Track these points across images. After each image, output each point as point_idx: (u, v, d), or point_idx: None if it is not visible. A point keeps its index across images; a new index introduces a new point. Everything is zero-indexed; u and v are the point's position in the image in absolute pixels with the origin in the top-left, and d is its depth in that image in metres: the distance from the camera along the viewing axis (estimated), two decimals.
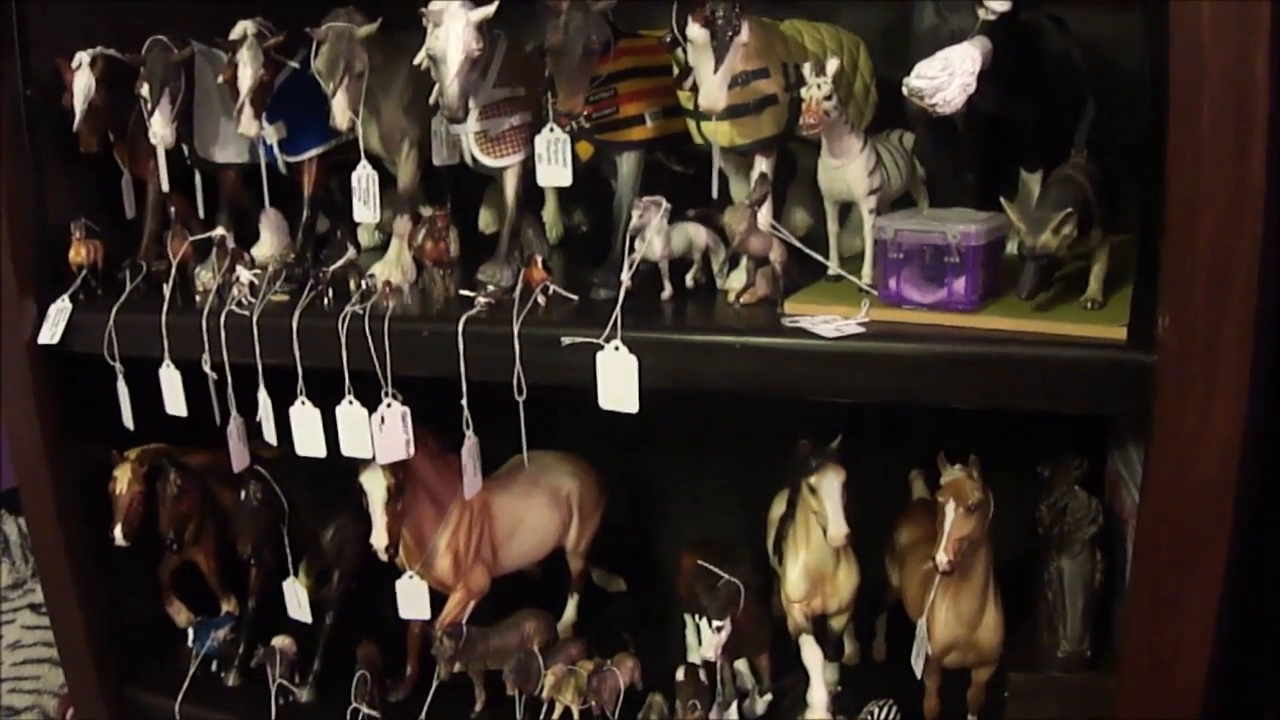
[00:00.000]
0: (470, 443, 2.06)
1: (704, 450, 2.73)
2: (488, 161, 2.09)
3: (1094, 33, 2.21)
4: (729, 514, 2.63)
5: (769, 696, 2.31)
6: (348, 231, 2.43)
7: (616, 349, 1.82)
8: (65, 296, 2.38)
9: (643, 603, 2.75)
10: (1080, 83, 2.12)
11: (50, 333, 2.37)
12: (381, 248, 2.35)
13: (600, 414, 1.88)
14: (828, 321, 1.78)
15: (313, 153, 2.34)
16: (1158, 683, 1.69)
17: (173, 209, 2.38)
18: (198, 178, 2.44)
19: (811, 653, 2.16)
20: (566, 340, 1.85)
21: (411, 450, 2.11)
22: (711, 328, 1.86)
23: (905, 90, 1.77)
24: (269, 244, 2.34)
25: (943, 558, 1.88)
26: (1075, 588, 2.06)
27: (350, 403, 2.07)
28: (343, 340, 2.03)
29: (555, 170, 2.00)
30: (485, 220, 2.52)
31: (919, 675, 2.07)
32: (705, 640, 2.08)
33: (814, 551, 2.14)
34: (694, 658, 2.42)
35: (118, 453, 2.49)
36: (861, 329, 1.75)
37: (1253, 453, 1.57)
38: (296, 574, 2.53)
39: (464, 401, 1.98)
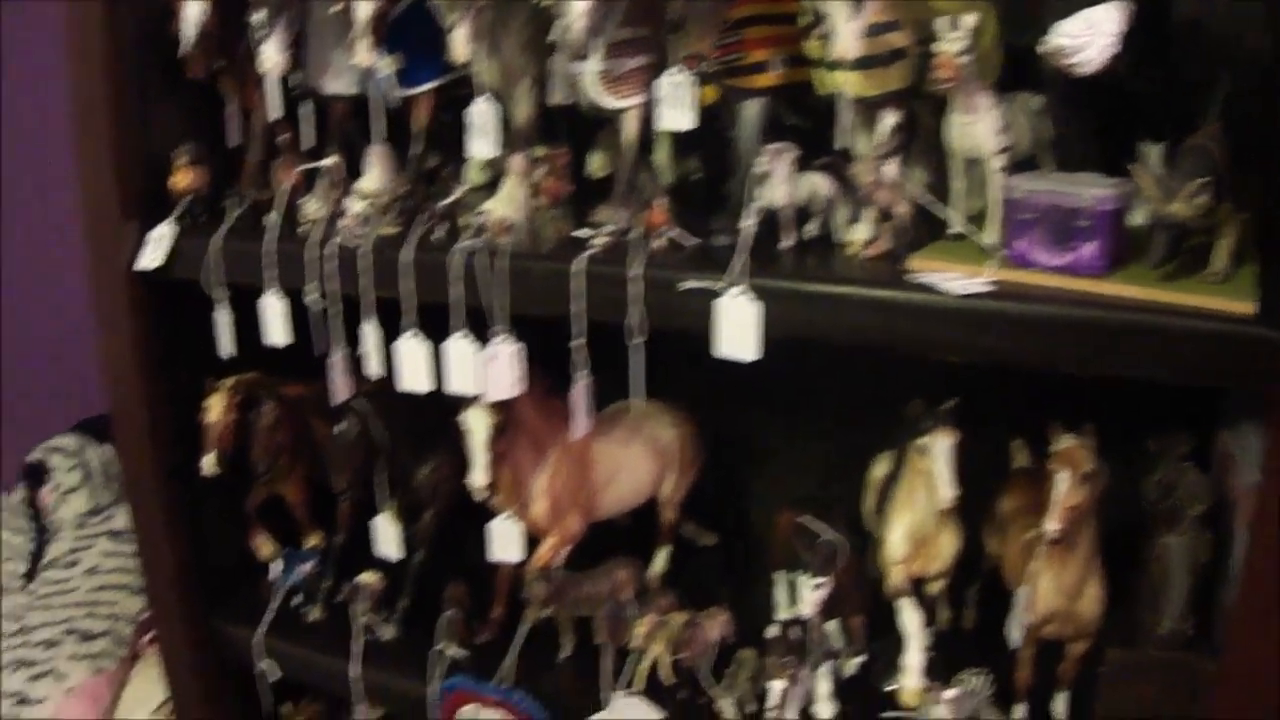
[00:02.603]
0: (581, 385, 2.04)
1: (799, 412, 2.70)
2: (609, 102, 2.05)
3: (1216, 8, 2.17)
4: (822, 475, 2.61)
5: (860, 658, 2.29)
6: (456, 169, 2.41)
7: (737, 295, 1.80)
8: (169, 221, 2.37)
9: (732, 559, 2.72)
10: (1212, 53, 2.08)
11: (151, 258, 2.36)
12: (488, 187, 2.33)
13: (699, 364, 1.87)
14: (954, 279, 1.75)
15: (427, 86, 2.30)
16: (1262, 668, 1.66)
17: (280, 139, 2.36)
18: (304, 109, 2.42)
19: (910, 616, 2.14)
20: (686, 285, 1.83)
21: (521, 389, 2.09)
22: (835, 279, 1.83)
23: (1044, 48, 1.74)
24: (376, 178, 2.31)
25: (1052, 526, 1.85)
26: (1181, 566, 2.03)
27: (460, 339, 2.05)
28: (456, 275, 2.01)
29: (678, 114, 1.97)
30: (597, 164, 2.49)
31: (1014, 645, 2.04)
32: (803, 597, 2.07)
33: (918, 513, 2.12)
34: (783, 615, 2.39)
35: (212, 380, 2.47)
36: (988, 288, 1.72)
37: None
38: (387, 510, 2.51)
39: (578, 342, 1.96)
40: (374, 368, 2.21)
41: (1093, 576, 1.99)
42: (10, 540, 3.80)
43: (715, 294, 1.82)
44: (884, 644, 2.27)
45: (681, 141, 2.36)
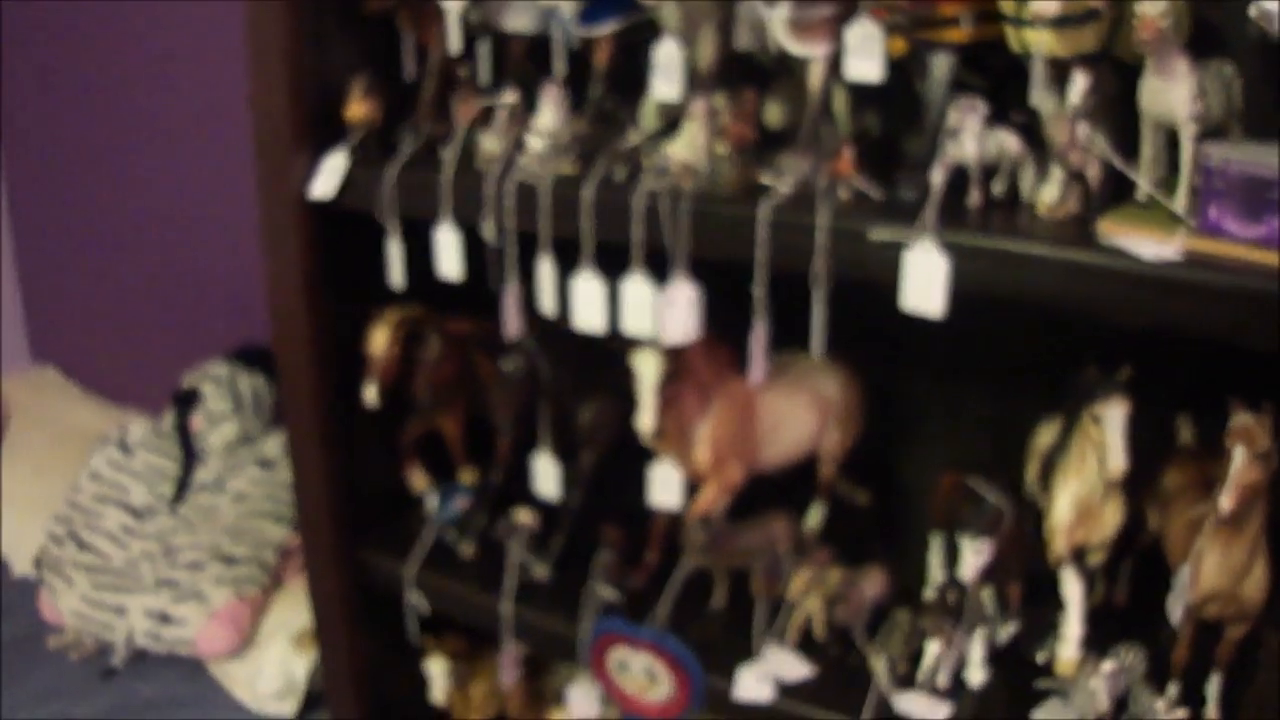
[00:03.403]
0: (761, 332, 2.03)
1: (958, 371, 2.67)
2: (797, 49, 2.04)
3: None
4: (982, 441, 2.57)
5: (1013, 626, 2.27)
6: (630, 111, 2.41)
7: (928, 249, 1.78)
8: (344, 150, 2.39)
9: (885, 519, 2.71)
10: None
11: (325, 187, 2.38)
12: (663, 132, 2.32)
13: (861, 320, 1.89)
14: (1146, 245, 1.72)
15: (609, 26, 2.30)
16: None
17: (457, 73, 2.38)
18: (481, 46, 2.43)
19: (1072, 585, 2.12)
20: (876, 235, 1.82)
21: (697, 334, 2.09)
22: (1025, 237, 1.80)
23: (1252, 12, 1.71)
24: (549, 117, 2.32)
25: (1225, 502, 1.82)
26: None
27: (639, 279, 2.05)
28: (639, 215, 2.01)
29: (866, 64, 1.96)
30: (772, 115, 2.48)
31: (1174, 622, 2.01)
32: (964, 560, 2.05)
33: (1085, 482, 2.08)
34: (937, 579, 2.39)
35: (376, 312, 2.50)
36: (1180, 256, 1.69)
37: None
38: (547, 449, 2.52)
39: (759, 289, 1.96)
40: (548, 305, 2.22)
41: (1259, 558, 1.95)
42: (159, 464, 3.87)
43: (904, 246, 1.80)
44: (1037, 614, 2.25)
45: (859, 95, 2.35)
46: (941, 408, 2.72)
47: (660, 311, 2.06)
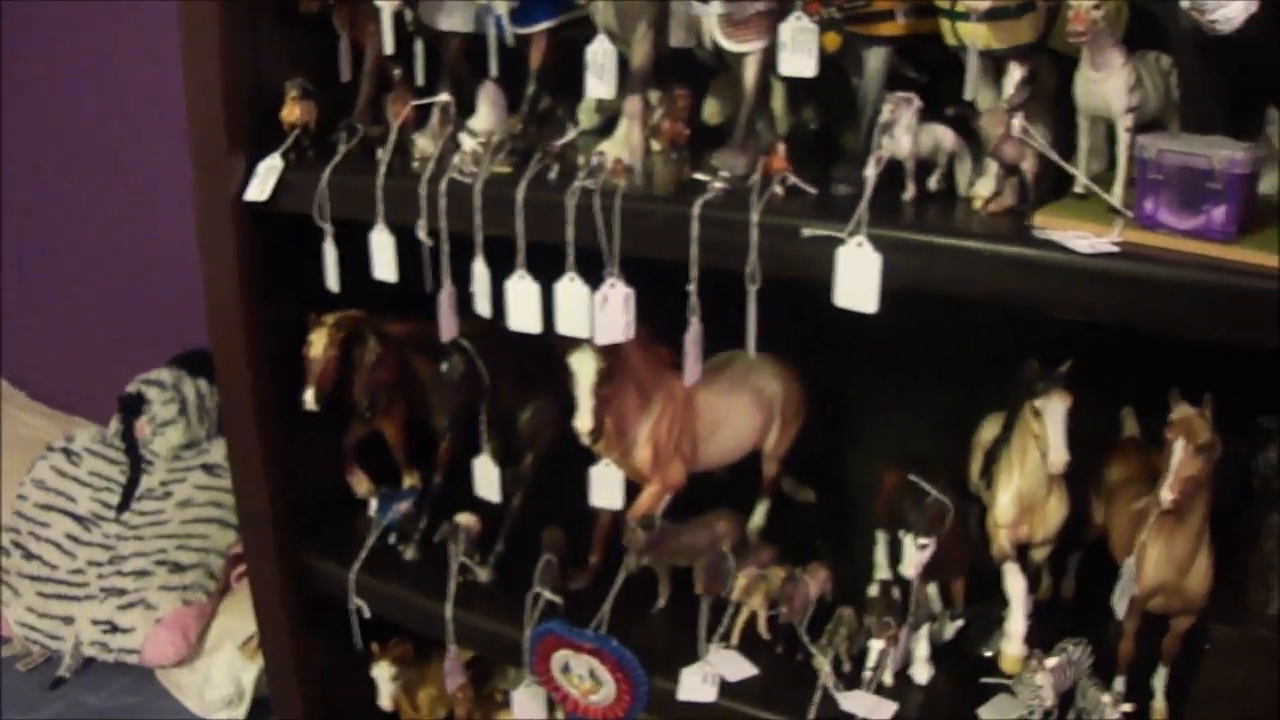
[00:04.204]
0: (694, 330, 2.02)
1: (905, 373, 2.68)
2: (730, 46, 2.02)
3: None
4: (925, 437, 2.57)
5: (959, 622, 2.27)
6: (569, 111, 2.39)
7: (860, 245, 1.77)
8: (278, 154, 2.37)
9: (830, 516, 2.71)
10: None
11: (259, 189, 2.36)
12: (600, 130, 2.31)
13: (805, 317, 1.88)
14: (1080, 237, 1.71)
15: (543, 25, 2.29)
16: None
17: (393, 74, 2.36)
18: (417, 46, 2.42)
19: (1015, 581, 2.12)
20: (808, 232, 1.80)
21: (631, 333, 2.07)
22: (959, 232, 1.79)
23: (1185, 3, 1.70)
24: (486, 117, 2.30)
25: (1167, 495, 1.81)
26: None
27: (572, 279, 2.03)
28: (571, 215, 1.99)
29: (800, 60, 1.94)
30: (710, 111, 2.47)
31: (1119, 615, 2.01)
32: (907, 557, 2.05)
33: (1028, 477, 2.09)
34: (882, 576, 2.39)
35: (314, 316, 2.48)
36: (1116, 248, 1.68)
37: None
38: (488, 451, 2.51)
39: (692, 287, 1.94)
40: (483, 307, 2.20)
41: (1202, 551, 1.95)
42: (106, 471, 3.84)
43: (837, 242, 1.79)
44: (982, 610, 2.25)
45: (796, 90, 2.34)
46: (888, 404, 2.72)
47: (595, 311, 2.04)
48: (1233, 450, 1.96)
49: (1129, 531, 2.02)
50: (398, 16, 2.29)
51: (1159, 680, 2.09)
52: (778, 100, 2.34)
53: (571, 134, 2.18)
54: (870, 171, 1.86)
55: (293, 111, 2.38)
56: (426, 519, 2.63)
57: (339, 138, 2.37)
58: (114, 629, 3.52)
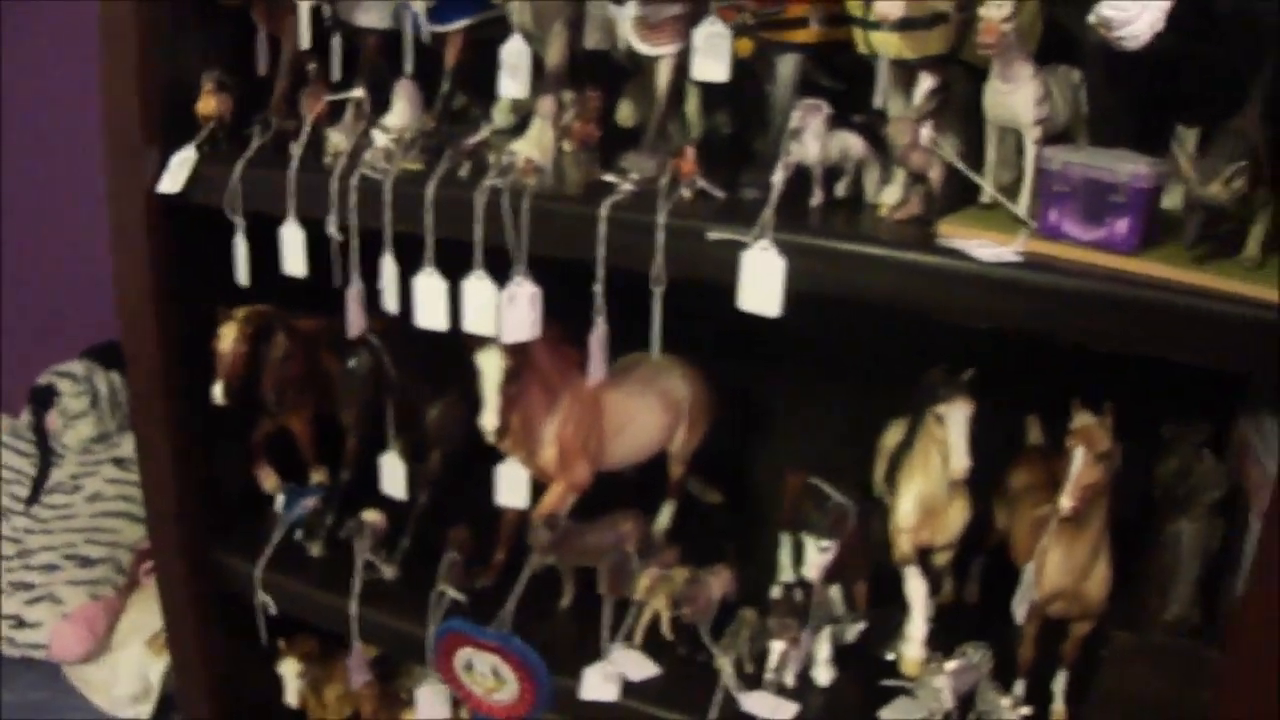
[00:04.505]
0: (600, 330, 2.02)
1: (813, 376, 2.69)
2: (644, 49, 2.03)
3: None
4: (832, 440, 2.59)
5: (861, 625, 2.28)
6: (483, 109, 2.39)
7: (765, 249, 1.78)
8: (191, 146, 2.35)
9: (736, 518, 2.72)
10: (1260, 37, 2.07)
11: (172, 181, 2.34)
12: (514, 130, 2.31)
13: (715, 320, 1.86)
14: (984, 246, 1.73)
15: (460, 24, 2.28)
16: (1269, 659, 1.64)
17: (309, 68, 2.35)
18: (335, 41, 2.41)
19: (916, 585, 2.13)
20: (714, 235, 1.82)
21: (538, 332, 2.08)
22: (863, 239, 1.80)
23: (1093, 18, 1.72)
24: (402, 114, 2.29)
25: (1066, 503, 1.83)
26: (1192, 552, 2.03)
27: (480, 278, 2.03)
28: (479, 213, 1.99)
29: (712, 64, 1.95)
30: (624, 113, 2.47)
31: (1019, 620, 2.04)
32: (809, 560, 2.06)
33: (930, 482, 2.11)
34: (786, 577, 2.40)
35: (224, 310, 2.46)
36: (1018, 258, 1.71)
37: None
38: (395, 448, 2.50)
39: (598, 287, 1.95)
40: (391, 303, 2.20)
41: (1102, 557, 1.98)
42: (16, 463, 3.80)
43: (742, 246, 1.80)
44: (884, 612, 2.26)
45: (712, 96, 2.35)
46: (796, 407, 2.74)
47: (502, 310, 2.04)
48: (1135, 458, 1.99)
49: (1030, 537, 2.05)
50: (315, 11, 2.29)
51: (1059, 684, 2.11)
52: (691, 104, 2.35)
53: (485, 132, 2.18)
54: (778, 177, 1.87)
55: (208, 104, 2.36)
56: (334, 516, 2.62)
57: (253, 131, 2.36)
58: (21, 624, 3.48)
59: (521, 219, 1.97)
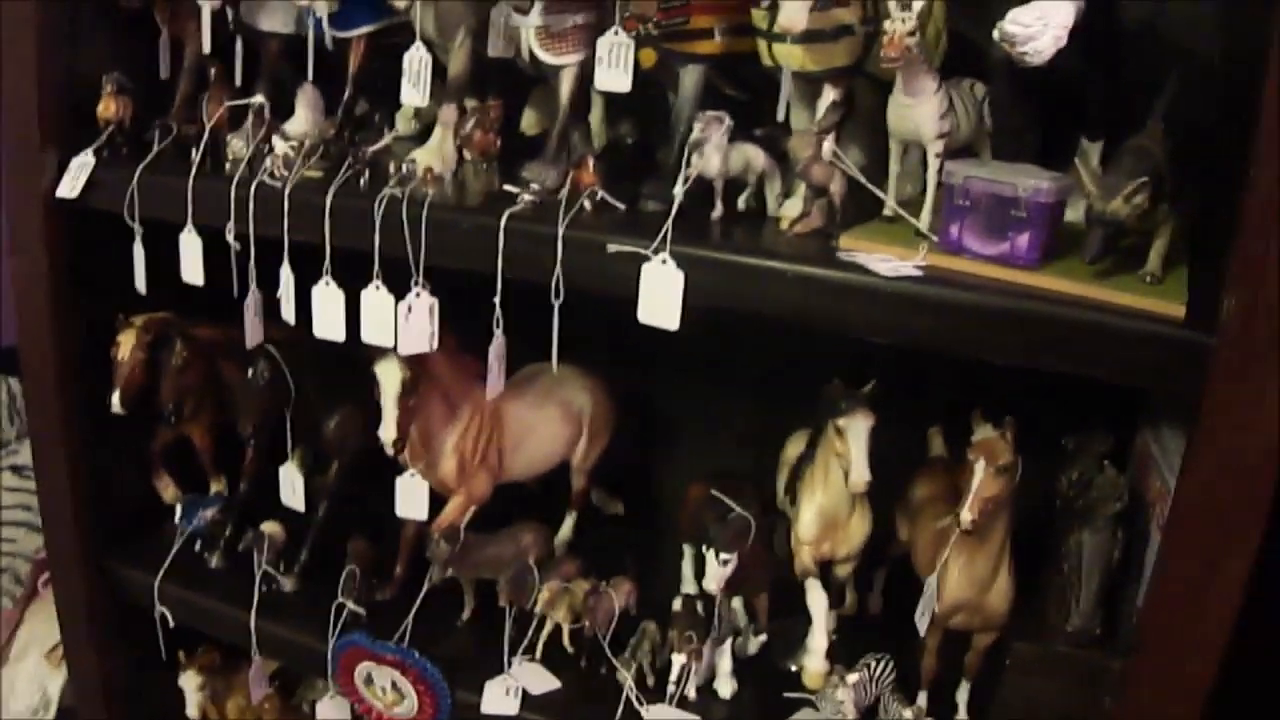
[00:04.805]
0: (498, 343, 2.02)
1: (716, 386, 2.69)
2: (547, 58, 2.03)
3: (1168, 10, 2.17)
4: (736, 451, 2.60)
5: (763, 637, 2.28)
6: (386, 116, 2.38)
7: (664, 262, 1.77)
8: (89, 150, 2.32)
9: (639, 528, 2.72)
10: (1163, 54, 2.09)
11: (70, 186, 2.31)
12: (417, 137, 2.30)
13: (617, 331, 1.85)
14: (884, 260, 1.74)
15: (363, 30, 2.27)
16: (1168, 671, 1.67)
17: (211, 72, 2.32)
18: (239, 45, 2.38)
19: (816, 597, 2.14)
20: (613, 248, 1.81)
21: (435, 344, 2.06)
22: (763, 252, 1.80)
23: (996, 35, 1.74)
24: (304, 119, 2.27)
25: (967, 516, 1.84)
26: (1093, 564, 2.03)
27: (378, 288, 2.02)
28: (377, 222, 1.97)
29: (615, 75, 1.94)
30: (528, 121, 2.46)
31: (922, 632, 2.04)
32: (709, 572, 2.05)
33: (830, 495, 2.11)
34: (689, 589, 2.41)
35: (123, 317, 2.43)
36: (919, 272, 1.71)
37: None
38: (293, 460, 2.48)
39: (497, 299, 1.94)
40: (289, 313, 2.17)
41: (1003, 569, 1.99)
42: None
43: (641, 259, 1.79)
44: (787, 624, 2.26)
45: (617, 105, 2.34)
46: (699, 418, 2.74)
47: (400, 321, 2.02)
48: (1037, 469, 1.99)
49: (932, 549, 2.05)
50: (219, 15, 2.27)
51: (961, 695, 2.13)
52: (595, 114, 2.34)
53: (387, 139, 2.16)
54: (679, 189, 1.87)
55: (108, 107, 2.33)
56: (233, 527, 2.58)
57: (154, 136, 2.33)
58: None
59: (420, 229, 1.95)
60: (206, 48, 2.29)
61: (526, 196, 1.95)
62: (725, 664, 2.19)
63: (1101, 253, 1.67)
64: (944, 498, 2.12)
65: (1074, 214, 1.78)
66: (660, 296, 1.79)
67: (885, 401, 2.03)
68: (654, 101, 2.18)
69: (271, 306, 2.22)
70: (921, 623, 2.03)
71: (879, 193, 1.93)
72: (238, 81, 2.39)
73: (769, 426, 2.40)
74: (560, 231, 1.85)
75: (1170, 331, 1.58)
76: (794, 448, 2.29)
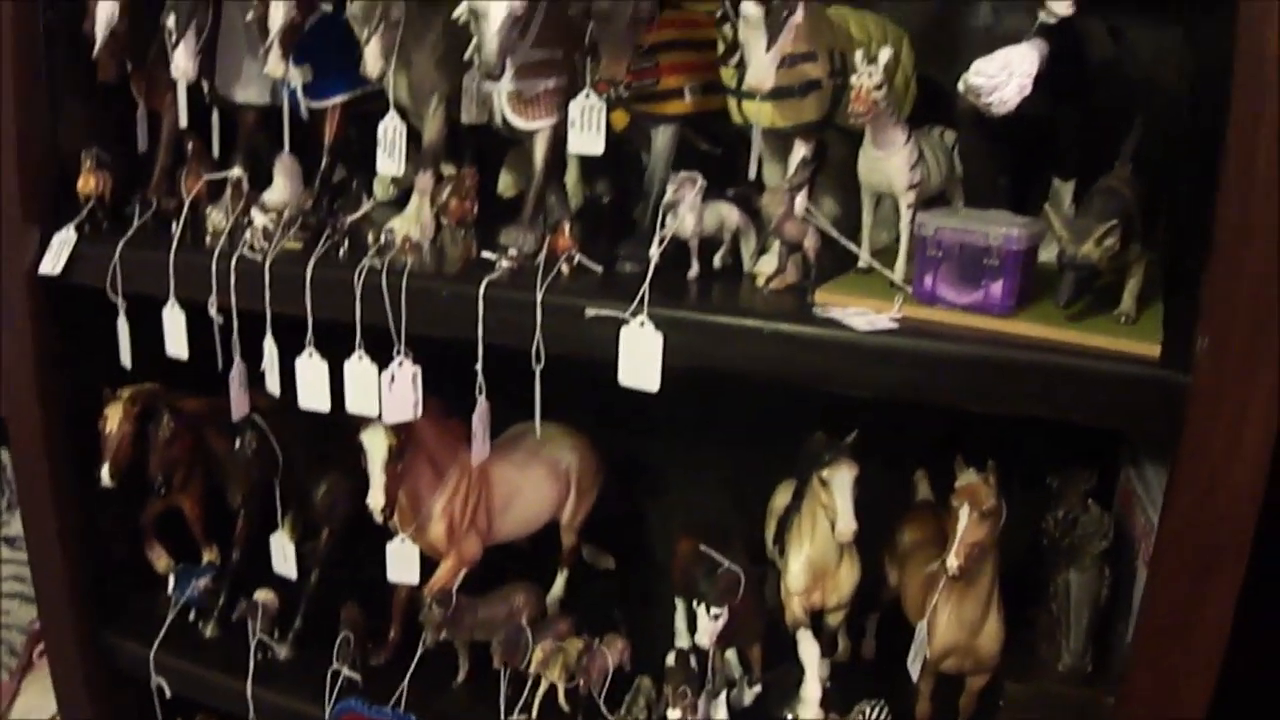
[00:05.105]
0: (481, 409, 2.03)
1: (703, 437, 2.70)
2: (519, 123, 2.04)
3: (1134, 42, 2.20)
4: (725, 501, 2.62)
5: (758, 688, 2.28)
6: (364, 184, 2.39)
7: (642, 325, 1.79)
8: (71, 226, 2.33)
9: (631, 583, 2.72)
10: (1128, 94, 2.11)
11: (53, 263, 2.32)
12: (396, 203, 2.31)
13: (601, 390, 1.86)
14: (860, 314, 1.75)
15: (337, 99, 2.28)
16: (1160, 706, 1.67)
17: (188, 146, 2.34)
18: (215, 116, 2.40)
19: (808, 647, 2.13)
20: (592, 312, 1.82)
21: (420, 411, 2.07)
22: (740, 311, 1.81)
23: (961, 87, 1.76)
24: (282, 189, 2.29)
25: (953, 561, 1.85)
26: (1081, 602, 2.04)
27: (360, 358, 2.03)
28: (358, 294, 1.99)
29: (588, 138, 1.96)
30: (505, 184, 2.48)
31: (914, 677, 2.05)
32: (701, 627, 2.05)
33: (818, 545, 2.12)
34: (682, 643, 2.40)
35: (110, 390, 2.44)
36: (894, 324, 1.73)
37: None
38: (284, 528, 2.49)
39: (479, 366, 1.95)
40: (273, 385, 2.18)
41: (993, 611, 2.00)
42: None
43: (620, 322, 1.80)
44: (781, 674, 2.26)
45: (591, 165, 2.36)
46: (688, 470, 2.75)
47: (384, 390, 2.04)
48: (1025, 509, 2.01)
49: (922, 594, 2.06)
50: (194, 87, 2.27)
51: None
52: (571, 174, 2.36)
53: (366, 207, 2.19)
54: (654, 251, 1.89)
55: (88, 182, 2.35)
56: (226, 595, 2.58)
57: (134, 210, 2.35)
58: None
59: (400, 299, 1.96)
60: (183, 121, 2.28)
61: (504, 263, 1.96)
62: (721, 715, 2.19)
63: (1075, 296, 1.69)
64: (932, 542, 2.13)
65: (1048, 254, 1.79)
66: (640, 358, 1.80)
67: (870, 448, 2.03)
68: (629, 159, 2.20)
69: (257, 376, 2.22)
70: (914, 668, 2.04)
71: (852, 247, 1.95)
72: (215, 153, 2.40)
73: (756, 476, 2.41)
74: (539, 297, 1.86)
75: (1146, 371, 1.59)
76: (781, 497, 2.30)
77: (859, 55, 1.81)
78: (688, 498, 2.76)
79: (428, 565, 2.33)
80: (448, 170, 2.16)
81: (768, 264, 1.94)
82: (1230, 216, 1.48)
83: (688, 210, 1.93)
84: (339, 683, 2.34)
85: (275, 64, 2.09)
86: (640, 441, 2.72)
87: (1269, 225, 1.45)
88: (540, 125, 2.05)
